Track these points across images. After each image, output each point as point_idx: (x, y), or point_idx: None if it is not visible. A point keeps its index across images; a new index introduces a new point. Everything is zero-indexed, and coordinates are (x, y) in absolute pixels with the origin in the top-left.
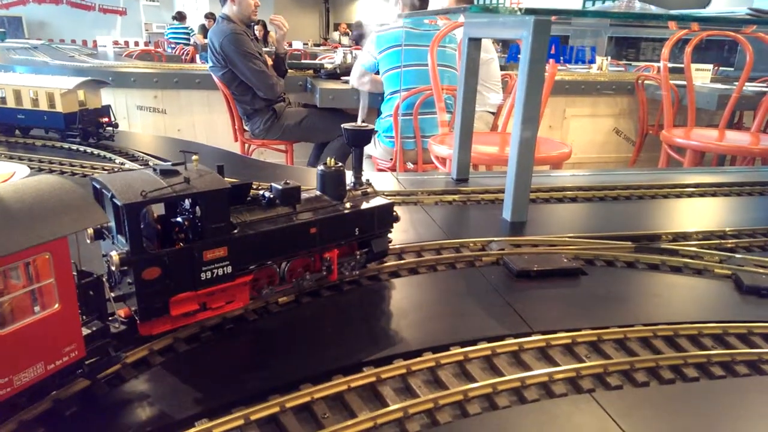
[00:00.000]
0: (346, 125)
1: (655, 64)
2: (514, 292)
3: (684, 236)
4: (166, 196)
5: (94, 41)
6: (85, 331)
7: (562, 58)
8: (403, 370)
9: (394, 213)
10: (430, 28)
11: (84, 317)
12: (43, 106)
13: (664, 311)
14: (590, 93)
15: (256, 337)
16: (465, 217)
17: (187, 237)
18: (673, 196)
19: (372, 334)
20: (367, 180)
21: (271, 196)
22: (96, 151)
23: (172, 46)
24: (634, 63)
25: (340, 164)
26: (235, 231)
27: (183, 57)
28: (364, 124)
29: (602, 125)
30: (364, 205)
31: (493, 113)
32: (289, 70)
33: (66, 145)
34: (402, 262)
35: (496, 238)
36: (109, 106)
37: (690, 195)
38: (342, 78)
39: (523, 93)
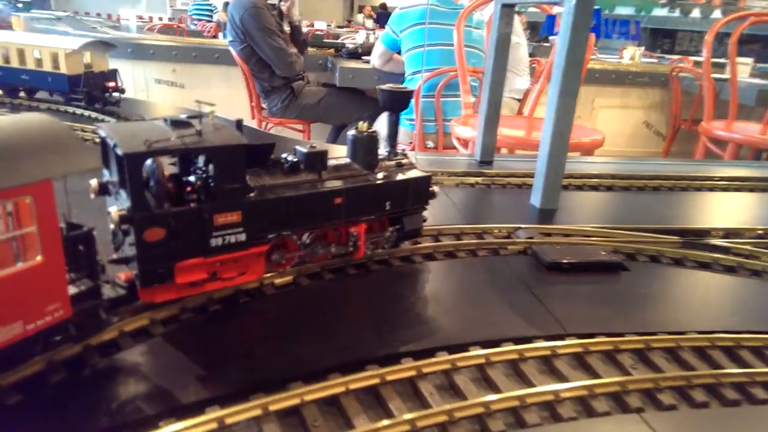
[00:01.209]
0: (382, 86)
1: (691, 58)
2: (545, 286)
3: (736, 233)
4: (172, 148)
5: (118, 15)
6: (73, 290)
7: (603, 31)
8: (413, 372)
9: (431, 188)
10: (457, 6)
11: (72, 275)
12: (47, 66)
13: (721, 317)
14: (621, 83)
15: (244, 323)
16: (488, 202)
17: (198, 198)
18: (720, 189)
19: (378, 327)
20: (403, 150)
21: (295, 160)
22: (101, 117)
23: (195, 22)
24: (667, 56)
25: (374, 130)
26: (252, 194)
27: (205, 33)
28: (401, 86)
29: (632, 117)
30: (398, 177)
31: (518, 100)
32: (310, 49)
33: (70, 110)
34: (416, 246)
35: (523, 225)
36: (116, 70)
37: (737, 189)
38: (363, 58)
39: (563, 63)
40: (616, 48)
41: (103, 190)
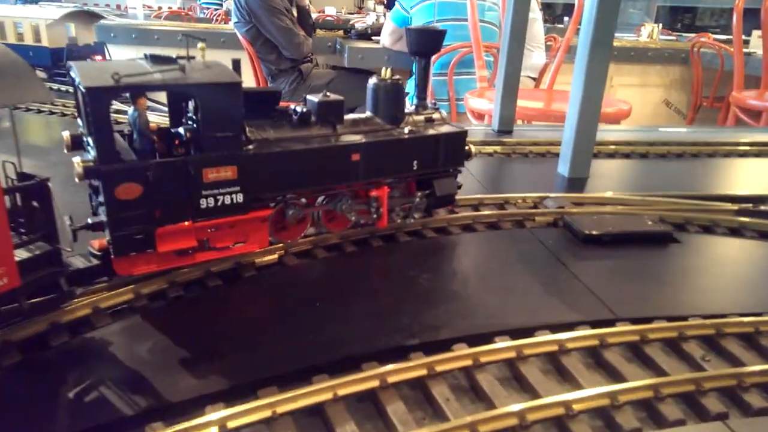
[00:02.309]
0: (410, 27)
1: (712, 35)
2: (582, 262)
3: None
4: (147, 84)
5: (126, 5)
6: (23, 255)
7: None
8: (423, 371)
9: (468, 147)
10: None
11: (22, 237)
12: (29, 40)
13: None
14: (640, 60)
15: (211, 313)
16: (509, 171)
17: (187, 152)
18: (765, 155)
19: (380, 315)
20: (434, 103)
21: (305, 110)
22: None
23: (204, 11)
24: (685, 34)
25: (399, 77)
26: (250, 147)
27: (214, 20)
28: (432, 26)
29: (652, 96)
30: (428, 132)
31: (533, 78)
32: (319, 31)
33: (55, 86)
34: (428, 219)
35: (551, 194)
36: (103, 43)
37: None
38: (373, 38)
39: (595, 7)
40: (634, 25)
41: (77, 143)
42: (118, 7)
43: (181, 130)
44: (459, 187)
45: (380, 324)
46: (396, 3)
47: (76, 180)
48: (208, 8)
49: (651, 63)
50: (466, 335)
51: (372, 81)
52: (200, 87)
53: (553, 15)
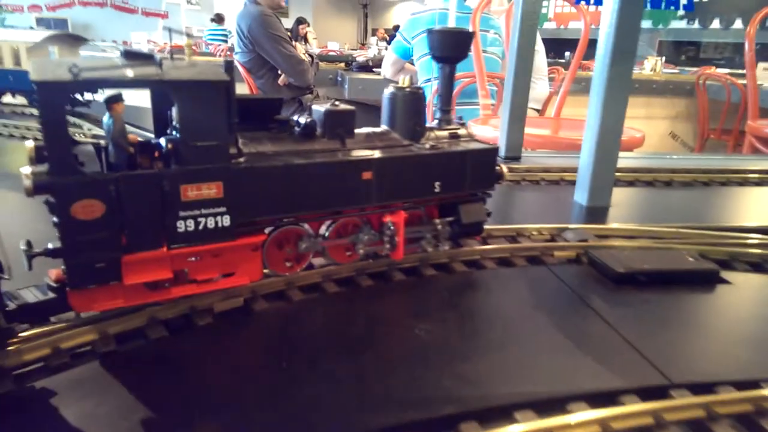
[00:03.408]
0: (434, 28)
1: (718, 70)
2: (617, 308)
3: None
4: (111, 80)
5: (130, 41)
6: None
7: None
8: None
9: (498, 167)
10: (471, 10)
11: None
12: (8, 63)
13: None
14: (645, 93)
15: (147, 378)
16: (520, 199)
17: (167, 166)
18: None
19: (363, 380)
20: (460, 117)
21: (309, 121)
22: (71, 119)
23: (209, 46)
24: (688, 68)
25: (419, 86)
26: (241, 161)
27: (218, 54)
28: (457, 27)
29: (657, 128)
30: (451, 149)
31: (537, 110)
32: (320, 63)
33: (36, 112)
34: (426, 254)
35: (570, 225)
36: None
37: None
38: (374, 70)
39: (617, 13)
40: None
41: (42, 156)
42: (125, 42)
43: (162, 140)
44: (488, 214)
45: (361, 393)
46: (397, 34)
47: (27, 195)
48: (212, 43)
49: (655, 95)
50: (475, 410)
51: (389, 90)
52: (179, 85)
53: (555, 50)
